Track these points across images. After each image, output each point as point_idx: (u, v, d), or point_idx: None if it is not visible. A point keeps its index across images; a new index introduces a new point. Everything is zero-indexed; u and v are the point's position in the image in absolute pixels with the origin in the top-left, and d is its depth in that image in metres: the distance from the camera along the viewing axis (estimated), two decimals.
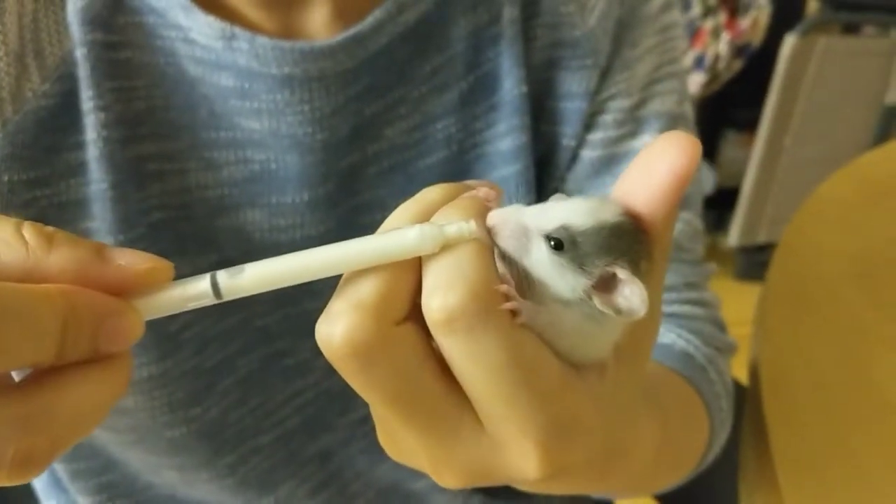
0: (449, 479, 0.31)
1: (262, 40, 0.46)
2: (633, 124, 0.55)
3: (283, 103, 0.48)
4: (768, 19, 1.96)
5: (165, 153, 0.48)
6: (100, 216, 0.46)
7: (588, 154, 0.54)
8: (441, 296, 0.26)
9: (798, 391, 0.65)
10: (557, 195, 0.30)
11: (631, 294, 0.27)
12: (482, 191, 0.30)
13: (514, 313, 0.27)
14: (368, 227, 0.53)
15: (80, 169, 0.46)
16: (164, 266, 0.27)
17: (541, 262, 0.28)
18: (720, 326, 0.60)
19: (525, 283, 0.28)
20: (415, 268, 0.27)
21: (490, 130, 0.53)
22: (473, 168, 0.54)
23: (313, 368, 0.56)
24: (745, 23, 1.93)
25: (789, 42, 1.76)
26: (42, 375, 0.25)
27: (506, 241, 0.28)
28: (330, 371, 0.55)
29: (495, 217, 0.28)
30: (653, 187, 0.28)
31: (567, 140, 0.54)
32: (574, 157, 0.55)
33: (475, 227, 0.27)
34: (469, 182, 0.31)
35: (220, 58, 0.47)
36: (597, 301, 0.28)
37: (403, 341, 0.27)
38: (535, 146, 0.54)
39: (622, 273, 0.28)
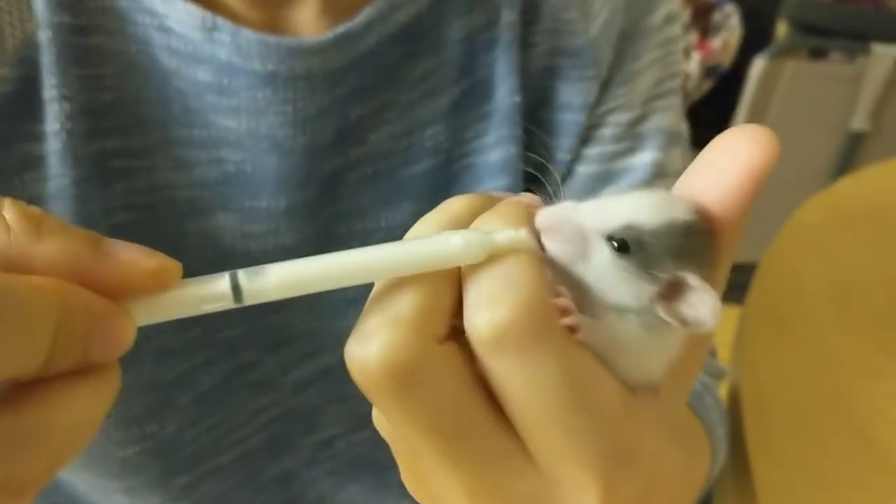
0: None
1: (246, 33, 0.43)
2: (631, 140, 0.52)
3: (265, 102, 0.44)
4: (738, 41, 1.96)
5: (132, 149, 0.45)
6: (58, 215, 0.43)
7: (583, 169, 0.52)
8: (489, 310, 0.23)
9: (777, 418, 0.64)
10: (611, 188, 0.27)
11: (700, 303, 0.24)
12: (526, 197, 0.27)
13: (571, 329, 0.24)
14: (347, 237, 0.50)
15: (37, 163, 0.42)
16: (173, 266, 0.23)
17: (602, 267, 0.24)
18: (712, 352, 0.57)
19: (578, 293, 0.25)
20: (455, 280, 0.24)
21: (480, 140, 0.50)
22: (461, 179, 0.51)
23: (278, 385, 0.52)
24: (715, 43, 1.93)
25: (758, 64, 1.76)
26: (30, 387, 0.21)
27: (560, 246, 0.25)
28: (296, 388, 0.53)
29: (548, 217, 0.25)
30: (725, 183, 0.25)
31: (562, 154, 0.52)
32: (568, 172, 0.52)
33: (525, 236, 0.24)
34: (494, 192, 0.28)
35: (198, 50, 0.43)
36: (661, 310, 0.24)
37: (447, 362, 0.24)
38: (528, 159, 0.51)
39: (693, 279, 0.24)
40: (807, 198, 0.92)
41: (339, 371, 0.53)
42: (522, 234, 0.24)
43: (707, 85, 1.98)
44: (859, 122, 1.84)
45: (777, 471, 0.59)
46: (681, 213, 0.25)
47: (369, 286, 0.25)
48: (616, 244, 0.24)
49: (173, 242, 0.46)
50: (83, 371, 0.21)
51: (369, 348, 0.23)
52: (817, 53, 1.88)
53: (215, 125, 0.45)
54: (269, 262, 0.24)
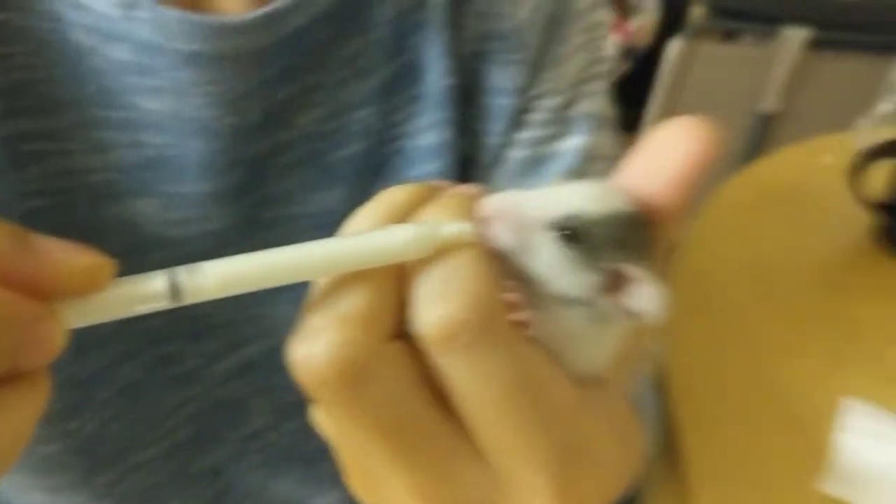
0: None
1: (168, 11, 0.40)
2: (561, 125, 0.52)
3: (188, 83, 0.42)
4: (655, 24, 1.99)
5: (46, 131, 0.42)
6: None
7: (514, 154, 0.51)
8: (438, 308, 0.22)
9: (704, 396, 0.65)
10: (549, 178, 0.26)
11: (644, 294, 0.24)
12: (470, 188, 0.26)
13: (520, 325, 0.23)
14: (273, 223, 0.49)
15: None
16: (107, 265, 0.21)
17: (548, 257, 0.24)
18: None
19: (523, 285, 0.24)
20: (401, 276, 0.23)
21: (411, 123, 0.49)
22: (391, 163, 0.50)
23: (203, 376, 0.50)
24: (632, 26, 1.95)
25: (674, 47, 1.79)
26: None
27: (504, 236, 0.24)
28: (221, 380, 0.51)
29: (492, 207, 0.24)
30: (666, 174, 0.24)
31: (494, 138, 0.51)
32: (500, 157, 0.52)
33: (473, 230, 0.23)
34: (438, 182, 0.27)
35: (115, 27, 0.41)
36: (606, 301, 0.24)
37: (396, 360, 0.23)
38: (459, 143, 0.50)
39: (637, 271, 0.24)
40: (719, 178, 0.94)
41: (266, 361, 0.52)
42: (469, 227, 0.23)
43: (625, 67, 2.01)
44: (769, 104, 1.88)
45: (706, 448, 0.60)
46: (623, 204, 0.24)
47: None
48: (561, 233, 0.24)
49: (91, 229, 0.44)
50: (12, 379, 0.20)
51: (315, 347, 0.22)
52: (730, 36, 1.92)
53: (135, 107, 0.43)
54: (192, 250, 0.23)
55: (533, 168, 0.51)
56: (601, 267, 0.24)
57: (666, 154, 0.24)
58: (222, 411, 0.52)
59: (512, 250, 0.24)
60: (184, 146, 0.44)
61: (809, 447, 0.61)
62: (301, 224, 0.49)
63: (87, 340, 0.45)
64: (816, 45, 1.82)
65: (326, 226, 0.50)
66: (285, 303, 0.51)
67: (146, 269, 0.22)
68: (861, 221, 0.88)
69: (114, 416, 0.48)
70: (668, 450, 0.61)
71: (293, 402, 0.54)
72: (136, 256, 0.45)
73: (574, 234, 0.24)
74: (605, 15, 0.56)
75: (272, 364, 0.52)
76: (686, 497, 0.58)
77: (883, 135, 0.96)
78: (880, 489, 0.57)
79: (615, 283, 0.24)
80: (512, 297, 0.23)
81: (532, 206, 0.24)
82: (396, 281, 0.23)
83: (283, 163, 0.47)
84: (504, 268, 0.24)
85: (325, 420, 0.27)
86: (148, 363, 0.48)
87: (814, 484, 0.57)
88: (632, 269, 0.24)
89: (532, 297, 0.24)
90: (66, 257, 0.21)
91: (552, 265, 0.24)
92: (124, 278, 0.22)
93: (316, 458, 0.56)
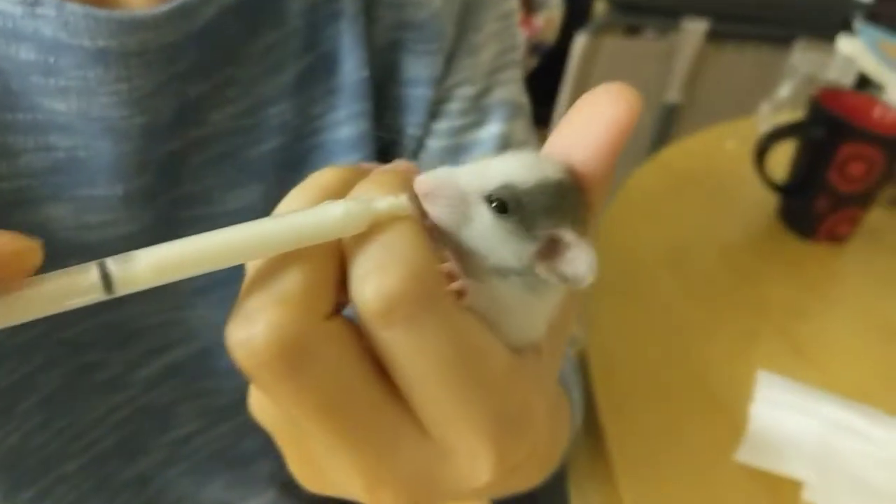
0: (388, 498, 0.26)
1: (73, 7, 0.39)
2: (478, 113, 0.52)
3: (96, 81, 0.41)
4: (560, 19, 2.02)
5: None
6: None
7: (433, 144, 0.52)
8: (376, 281, 0.22)
9: (625, 381, 0.66)
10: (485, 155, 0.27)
11: (578, 259, 0.24)
12: (401, 164, 0.26)
13: (458, 294, 0.23)
14: (191, 222, 0.48)
15: None
16: (32, 247, 0.20)
17: (483, 229, 0.24)
18: None
19: (459, 257, 0.24)
20: (337, 252, 0.23)
21: (329, 116, 0.49)
22: (310, 157, 0.49)
23: (128, 383, 0.49)
24: (539, 21, 1.98)
25: (579, 42, 1.82)
26: None
27: (441, 211, 0.24)
28: (146, 386, 0.50)
29: (426, 182, 0.24)
30: (591, 141, 0.25)
31: (412, 129, 0.51)
32: (419, 147, 0.52)
33: (407, 202, 0.23)
34: (364, 164, 0.27)
35: (18, 26, 0.39)
36: (541, 269, 0.24)
37: (336, 338, 0.23)
38: (378, 135, 0.50)
39: (569, 236, 0.24)
40: (628, 167, 0.96)
41: (191, 365, 0.51)
42: (403, 200, 0.23)
43: (533, 62, 2.03)
44: (673, 95, 1.94)
45: (628, 433, 0.61)
46: (552, 172, 0.25)
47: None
48: (495, 205, 0.24)
49: None
50: None
51: (254, 329, 0.22)
52: (633, 30, 1.97)
53: (41, 108, 0.41)
54: (109, 254, 0.22)
55: (453, 157, 0.52)
56: (536, 234, 0.24)
57: (591, 120, 0.25)
58: (148, 418, 0.51)
59: (450, 224, 0.24)
60: (94, 148, 0.43)
61: (728, 422, 0.62)
62: (220, 223, 0.48)
63: (6, 348, 0.43)
64: (716, 36, 1.88)
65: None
66: (208, 306, 0.50)
67: None
68: (767, 203, 0.91)
69: (36, 427, 0.46)
70: (590, 430, 0.62)
71: (221, 405, 0.53)
72: (52, 264, 0.43)
73: (507, 204, 0.24)
74: (515, 3, 0.57)
75: (198, 367, 0.51)
76: (609, 476, 0.59)
77: (782, 118, 1.00)
78: (793, 456, 0.59)
79: (550, 250, 0.25)
80: (448, 266, 0.23)
81: (465, 180, 0.25)
82: (333, 258, 0.23)
83: (199, 161, 0.47)
84: (440, 240, 0.24)
85: (263, 405, 0.27)
86: (70, 372, 0.47)
87: (732, 455, 0.59)
88: (566, 234, 0.24)
89: (468, 268, 0.24)
90: None
91: (488, 237, 0.24)
92: (51, 273, 0.21)
93: (247, 460, 0.55)
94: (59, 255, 0.44)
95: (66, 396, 0.47)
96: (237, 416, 0.54)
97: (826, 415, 0.62)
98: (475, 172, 0.25)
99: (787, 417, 0.62)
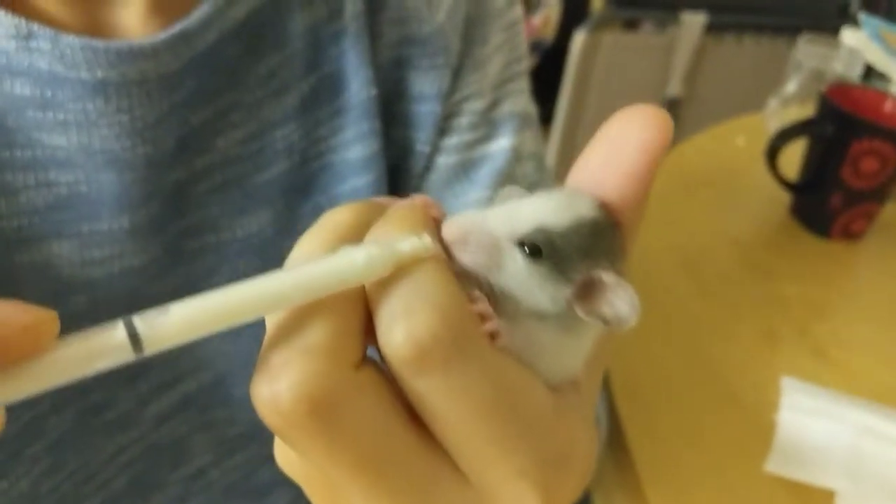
0: None
1: (69, 39, 0.38)
2: (487, 127, 0.51)
3: (96, 113, 0.39)
4: (558, 16, 2.01)
5: None
6: None
7: (443, 160, 0.50)
8: (405, 326, 0.21)
9: (646, 388, 0.65)
10: (507, 190, 0.25)
11: (619, 300, 0.23)
12: (419, 199, 0.25)
13: (491, 335, 0.22)
14: (199, 252, 0.46)
15: None
16: (49, 318, 0.19)
17: (516, 275, 0.23)
18: None
19: (491, 298, 0.23)
20: (361, 299, 0.22)
21: (336, 137, 0.48)
22: (319, 180, 0.48)
23: (138, 420, 0.48)
24: (537, 20, 1.96)
25: (577, 39, 1.81)
26: None
27: (472, 258, 0.23)
28: (157, 421, 0.48)
29: (455, 228, 0.23)
30: (623, 170, 0.24)
31: (421, 146, 0.50)
32: (429, 164, 0.50)
33: (430, 242, 0.22)
34: (380, 199, 0.25)
35: (12, 61, 0.38)
36: (580, 311, 0.23)
37: (368, 388, 0.22)
38: (387, 153, 0.49)
39: (608, 277, 0.23)
40: None
41: (203, 396, 0.49)
42: (426, 240, 0.22)
43: (532, 61, 2.02)
44: (674, 89, 1.92)
45: (652, 441, 0.60)
46: (586, 210, 0.24)
47: None
48: (528, 249, 0.23)
49: (5, 278, 0.41)
50: None
51: (280, 384, 0.21)
52: (631, 25, 1.95)
53: (40, 144, 0.40)
54: (116, 289, 0.21)
55: (463, 173, 0.51)
56: (572, 277, 0.23)
57: (623, 144, 0.24)
58: (160, 454, 0.49)
59: (482, 271, 0.23)
60: (96, 181, 0.41)
61: (752, 426, 0.61)
62: (228, 251, 0.47)
63: None
64: (714, 28, 1.86)
65: (255, 250, 0.48)
66: (219, 334, 0.49)
67: (69, 314, 0.20)
68: (780, 201, 0.90)
69: (46, 471, 0.45)
70: (613, 439, 0.61)
71: (234, 436, 0.52)
72: (57, 302, 0.42)
73: (541, 248, 0.23)
74: (520, 11, 0.55)
75: (209, 398, 0.50)
76: (637, 486, 0.57)
77: (791, 114, 0.98)
78: (824, 464, 0.58)
79: (588, 291, 0.24)
80: (480, 307, 0.22)
81: (495, 225, 0.23)
82: (358, 304, 0.22)
83: (204, 189, 0.45)
84: (471, 282, 0.23)
85: (291, 459, 0.26)
86: (77, 413, 0.45)
87: (762, 465, 0.57)
88: (604, 276, 0.23)
89: (500, 308, 0.23)
90: (4, 317, 0.18)
91: (522, 282, 0.23)
92: (74, 335, 0.20)
93: (263, 491, 0.54)
94: (64, 293, 0.43)
95: (74, 438, 0.45)
96: (251, 446, 0.52)
97: (855, 420, 0.61)
98: (505, 216, 0.24)
99: (815, 424, 0.61)
